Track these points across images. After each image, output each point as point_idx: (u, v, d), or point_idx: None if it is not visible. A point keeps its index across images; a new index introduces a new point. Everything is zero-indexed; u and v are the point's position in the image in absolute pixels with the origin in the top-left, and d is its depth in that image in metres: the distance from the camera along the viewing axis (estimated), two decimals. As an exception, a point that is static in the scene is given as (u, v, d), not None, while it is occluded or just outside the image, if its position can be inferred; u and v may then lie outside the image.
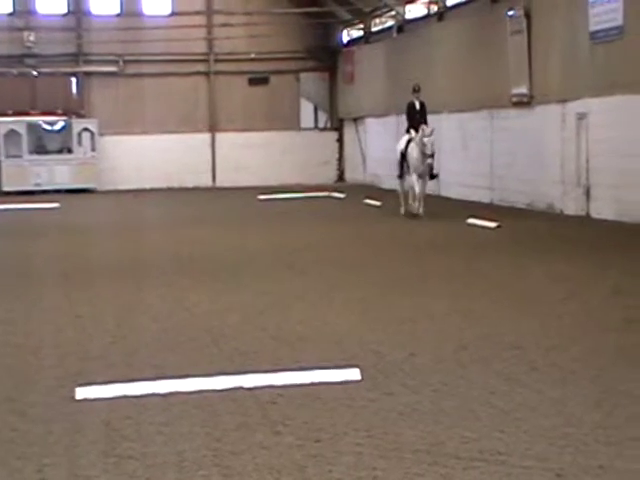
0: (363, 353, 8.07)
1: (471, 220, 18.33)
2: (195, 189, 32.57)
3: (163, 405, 6.65)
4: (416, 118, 20.26)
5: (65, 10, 32.83)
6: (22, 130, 31.47)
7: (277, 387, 7.01)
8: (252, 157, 33.78)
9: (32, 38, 32.12)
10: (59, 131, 32.29)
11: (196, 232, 18.68)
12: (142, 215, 23.74)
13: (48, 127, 32.20)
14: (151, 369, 7.67)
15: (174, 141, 33.42)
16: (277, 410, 6.45)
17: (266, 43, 32.77)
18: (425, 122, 20.20)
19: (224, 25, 32.35)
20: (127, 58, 32.88)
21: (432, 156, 19.80)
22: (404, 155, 20.29)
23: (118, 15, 33.04)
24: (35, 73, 32.33)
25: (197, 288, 11.75)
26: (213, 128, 33.99)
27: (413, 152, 20.07)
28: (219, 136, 34.06)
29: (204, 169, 33.99)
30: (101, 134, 32.22)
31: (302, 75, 34.49)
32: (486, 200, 23.30)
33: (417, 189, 20.04)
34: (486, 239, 16.38)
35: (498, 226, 17.57)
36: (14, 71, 32.20)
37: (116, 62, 32.95)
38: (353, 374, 7.22)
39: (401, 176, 20.65)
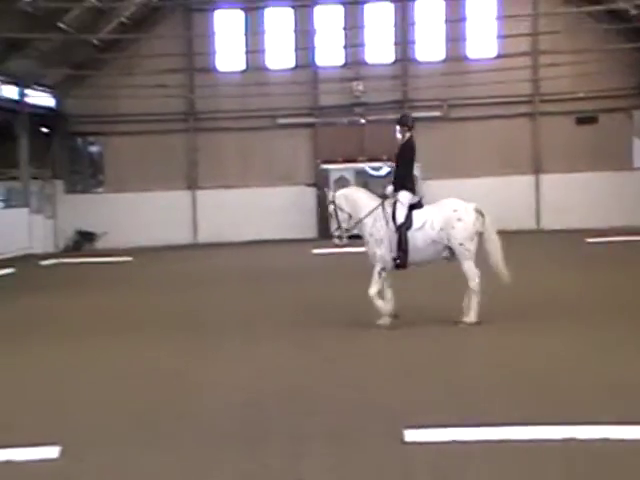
0: None
1: None
2: (517, 232, 32.07)
3: (490, 452, 6.48)
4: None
5: (393, 59, 33.96)
6: (350, 176, 32.81)
7: (612, 440, 6.59)
8: (578, 198, 32.74)
9: (361, 87, 33.53)
10: (384, 176, 33.26)
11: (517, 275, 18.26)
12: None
13: (374, 172, 33.33)
14: (479, 415, 7.52)
15: (497, 184, 33.22)
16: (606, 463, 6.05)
17: (595, 81, 31.78)
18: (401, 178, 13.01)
19: (550, 65, 31.82)
20: (451, 102, 33.30)
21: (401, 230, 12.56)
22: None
23: (443, 61, 33.63)
24: (363, 121, 33.66)
25: (528, 331, 11.47)
26: (537, 170, 33.43)
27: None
28: (543, 177, 33.42)
29: (527, 212, 33.44)
30: (424, 178, 32.76)
31: (635, 112, 33.00)
32: None
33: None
34: None
35: None
36: (345, 120, 33.76)
37: (440, 107, 33.48)
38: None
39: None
